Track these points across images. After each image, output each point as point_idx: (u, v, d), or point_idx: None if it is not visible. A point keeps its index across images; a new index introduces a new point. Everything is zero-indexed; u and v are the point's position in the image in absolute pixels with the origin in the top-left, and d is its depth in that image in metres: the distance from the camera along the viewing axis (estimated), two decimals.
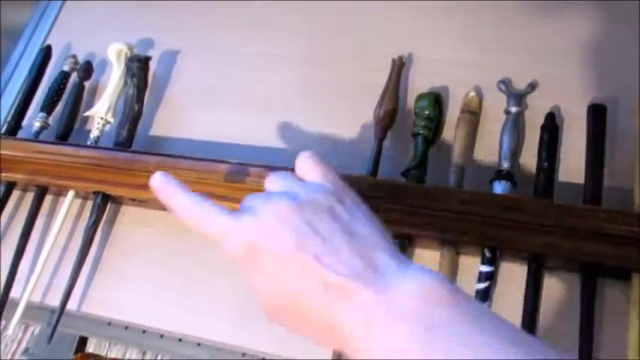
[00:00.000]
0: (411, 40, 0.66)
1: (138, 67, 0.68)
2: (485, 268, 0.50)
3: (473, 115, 0.58)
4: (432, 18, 0.67)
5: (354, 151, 0.62)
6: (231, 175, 0.56)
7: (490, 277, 0.50)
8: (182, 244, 0.62)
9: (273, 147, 0.65)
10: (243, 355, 0.57)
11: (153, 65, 0.73)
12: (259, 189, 0.55)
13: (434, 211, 0.51)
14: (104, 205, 0.63)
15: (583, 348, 0.46)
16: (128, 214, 0.66)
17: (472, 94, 0.59)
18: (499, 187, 0.52)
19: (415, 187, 0.52)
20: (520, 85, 0.60)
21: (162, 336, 0.60)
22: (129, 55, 0.71)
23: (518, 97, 0.57)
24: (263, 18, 0.74)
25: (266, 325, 0.51)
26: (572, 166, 0.54)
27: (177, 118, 0.71)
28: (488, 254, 0.50)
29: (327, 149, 0.62)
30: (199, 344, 0.59)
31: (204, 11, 0.77)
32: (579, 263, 0.49)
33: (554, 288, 0.51)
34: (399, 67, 0.61)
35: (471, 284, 0.51)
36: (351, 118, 0.63)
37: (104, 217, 0.64)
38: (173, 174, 0.57)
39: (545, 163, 0.53)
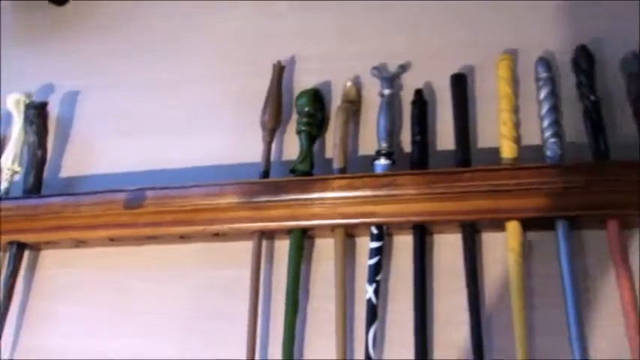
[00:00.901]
0: (292, 41, 0.69)
1: (35, 113, 0.70)
2: (374, 245, 0.53)
3: (352, 103, 0.61)
4: (308, 17, 0.70)
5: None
6: (129, 202, 0.58)
7: (379, 252, 0.52)
8: (104, 278, 0.64)
9: (179, 168, 0.67)
10: None
11: (55, 108, 0.75)
12: (158, 211, 0.57)
13: (319, 201, 0.54)
14: (20, 253, 0.64)
15: (471, 300, 0.49)
16: (47, 258, 0.67)
17: (349, 84, 0.62)
18: (379, 167, 0.55)
19: (295, 181, 0.55)
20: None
21: None
22: (27, 102, 0.72)
23: (390, 80, 0.60)
24: (161, 43, 0.76)
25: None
26: (447, 135, 0.58)
27: (85, 155, 0.72)
28: (375, 231, 0.53)
29: (231, 159, 0.64)
30: None
31: (98, 47, 0.79)
32: (459, 224, 0.52)
33: (443, 251, 0.54)
34: (279, 71, 0.64)
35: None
36: (256, 126, 0.65)
37: (24, 265, 0.65)
38: (76, 211, 0.60)
39: (418, 137, 0.56)
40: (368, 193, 0.53)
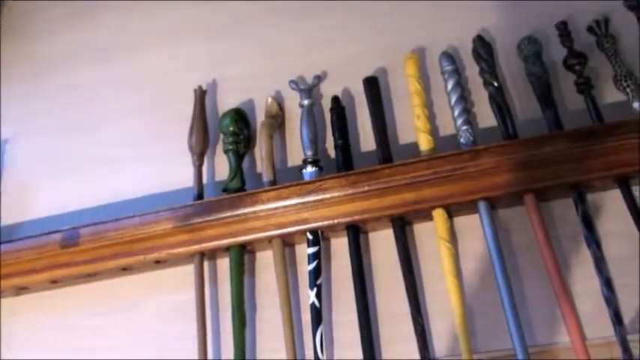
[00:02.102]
0: (212, 65, 0.71)
1: None
2: (311, 250, 0.54)
3: (274, 118, 0.62)
4: (226, 40, 0.72)
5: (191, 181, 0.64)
6: (65, 241, 0.58)
7: (317, 256, 0.54)
8: (52, 320, 0.63)
9: (115, 202, 0.67)
10: None
11: None
12: (94, 247, 0.57)
13: (252, 215, 0.55)
14: None
15: (409, 291, 0.51)
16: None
17: (270, 99, 0.63)
18: (307, 175, 0.57)
19: (226, 199, 0.56)
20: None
21: None
22: None
23: (308, 91, 0.62)
24: (85, 82, 0.75)
25: None
26: (369, 136, 0.60)
27: (20, 201, 0.71)
28: (310, 236, 0.55)
29: (165, 187, 0.65)
30: None
31: (23, 93, 0.78)
32: (389, 218, 0.54)
33: (379, 248, 0.56)
34: (201, 95, 0.65)
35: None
36: (186, 152, 0.65)
37: None
38: (15, 258, 0.60)
39: (340, 141, 0.58)
40: (297, 201, 0.54)
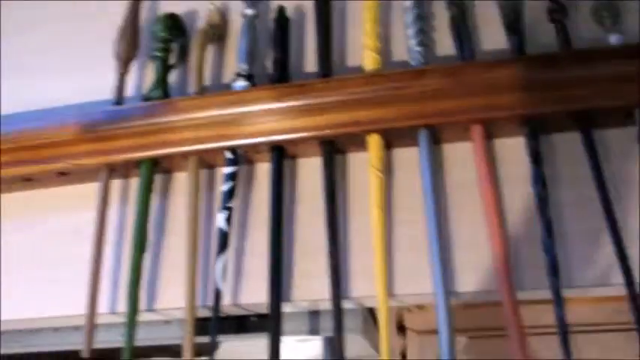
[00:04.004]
0: None
1: None
2: (228, 170, 0.48)
3: (214, 28, 0.56)
4: None
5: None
6: None
7: (233, 177, 0.48)
8: None
9: (34, 110, 0.60)
10: None
11: None
12: None
13: (168, 126, 0.49)
14: None
15: (328, 223, 0.45)
16: None
17: (212, 7, 0.57)
18: (237, 89, 0.51)
19: (140, 106, 0.50)
20: None
21: None
22: None
23: (253, 0, 0.55)
24: None
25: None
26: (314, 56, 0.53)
27: None
28: (229, 155, 0.48)
29: (89, 97, 0.59)
30: None
31: None
32: (319, 141, 0.47)
33: (306, 175, 0.50)
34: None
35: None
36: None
37: None
38: None
39: (278, 55, 0.51)
40: (217, 112, 0.48)
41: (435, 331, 0.40)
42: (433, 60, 0.50)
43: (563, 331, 0.38)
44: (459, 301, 0.44)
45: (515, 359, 0.39)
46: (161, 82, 0.53)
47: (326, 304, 0.44)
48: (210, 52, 0.57)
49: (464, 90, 0.45)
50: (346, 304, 0.45)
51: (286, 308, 0.46)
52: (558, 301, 0.39)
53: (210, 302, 0.45)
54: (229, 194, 0.47)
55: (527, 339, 0.39)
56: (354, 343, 0.52)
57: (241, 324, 0.52)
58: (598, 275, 0.41)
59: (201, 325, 0.46)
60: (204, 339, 0.45)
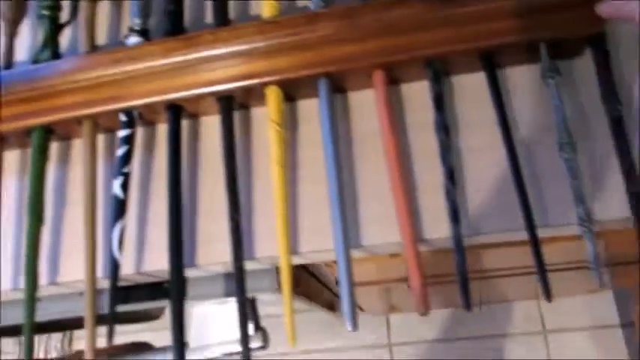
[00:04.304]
0: None
1: None
2: (123, 133, 0.45)
3: None
4: None
5: None
6: None
7: (128, 141, 0.45)
8: None
9: None
10: None
11: None
12: None
13: (53, 89, 0.45)
14: None
15: (228, 184, 0.43)
16: None
17: None
18: (129, 45, 0.47)
19: (23, 72, 0.46)
20: None
21: None
22: None
23: None
24: None
25: None
26: None
27: None
28: (123, 118, 0.45)
29: None
30: None
31: None
32: (216, 97, 0.45)
33: (207, 135, 0.47)
34: None
35: None
36: None
37: None
38: None
39: (171, 6, 0.48)
40: (105, 72, 0.45)
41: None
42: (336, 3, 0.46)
43: (463, 278, 0.37)
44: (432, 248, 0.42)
45: (418, 311, 0.38)
46: (50, 42, 0.49)
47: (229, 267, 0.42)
48: (106, 7, 0.53)
49: (362, 33, 0.42)
50: (253, 265, 0.44)
51: (193, 273, 0.45)
52: (459, 250, 0.38)
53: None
54: (125, 159, 0.45)
55: (428, 288, 0.38)
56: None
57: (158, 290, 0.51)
58: (503, 221, 0.40)
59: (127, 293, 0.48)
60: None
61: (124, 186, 0.44)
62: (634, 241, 0.36)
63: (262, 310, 0.54)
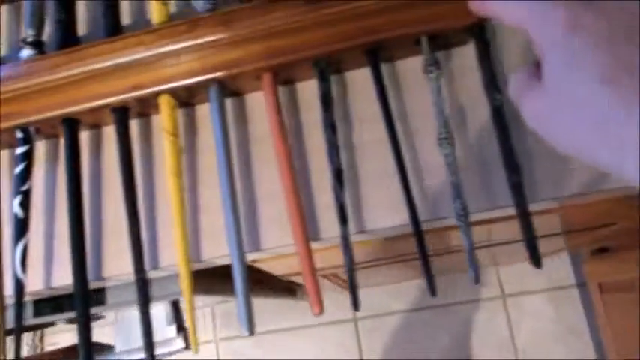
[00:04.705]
0: None
1: None
2: (19, 150, 0.45)
3: None
4: None
5: None
6: None
7: (26, 157, 0.45)
8: None
9: None
10: None
11: None
12: None
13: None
14: None
15: (126, 195, 0.43)
16: None
17: None
18: (23, 58, 0.47)
19: None
20: None
21: None
22: None
23: None
24: None
25: None
26: None
27: None
28: (19, 135, 0.45)
29: None
30: None
31: None
32: (111, 109, 0.45)
33: (107, 146, 0.47)
34: None
35: None
36: None
37: None
38: None
39: (62, 15, 0.47)
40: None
41: None
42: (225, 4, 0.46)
43: (351, 273, 0.38)
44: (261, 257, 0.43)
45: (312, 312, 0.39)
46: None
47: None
48: (4, 14, 0.52)
49: (244, 37, 0.42)
50: (156, 274, 0.45)
51: (99, 284, 0.45)
52: (346, 249, 0.39)
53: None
54: (23, 176, 0.45)
55: (320, 287, 0.39)
56: None
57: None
58: (391, 215, 0.41)
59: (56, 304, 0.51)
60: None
61: (24, 204, 0.44)
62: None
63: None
